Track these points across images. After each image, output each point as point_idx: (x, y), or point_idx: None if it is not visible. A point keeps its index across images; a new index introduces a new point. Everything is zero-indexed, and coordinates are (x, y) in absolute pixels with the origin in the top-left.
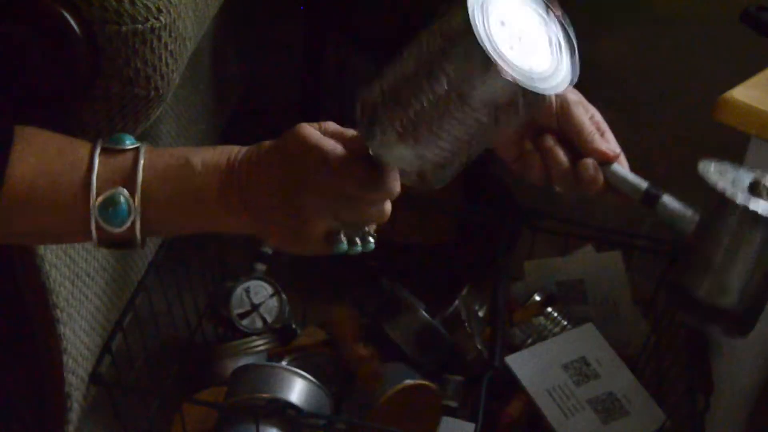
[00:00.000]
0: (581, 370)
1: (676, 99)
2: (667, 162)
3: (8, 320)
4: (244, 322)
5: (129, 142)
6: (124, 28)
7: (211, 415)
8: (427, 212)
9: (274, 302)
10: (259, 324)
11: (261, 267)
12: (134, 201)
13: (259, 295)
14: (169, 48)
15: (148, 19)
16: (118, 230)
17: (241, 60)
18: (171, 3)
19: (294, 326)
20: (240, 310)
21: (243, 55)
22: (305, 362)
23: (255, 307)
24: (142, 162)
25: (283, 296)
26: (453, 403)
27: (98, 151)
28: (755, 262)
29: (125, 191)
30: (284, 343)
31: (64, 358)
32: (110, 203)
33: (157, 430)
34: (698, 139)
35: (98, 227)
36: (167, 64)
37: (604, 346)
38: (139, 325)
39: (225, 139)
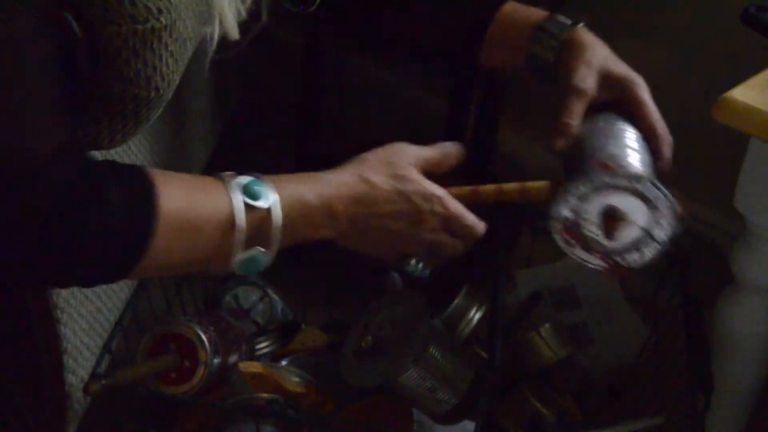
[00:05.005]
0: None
1: (676, 99)
2: None
3: (8, 320)
4: None
5: (264, 194)
6: (124, 29)
7: (211, 415)
8: None
9: (263, 306)
10: (253, 329)
11: None
12: (268, 257)
13: (248, 300)
14: (169, 48)
15: (148, 20)
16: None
17: (241, 60)
18: (171, 3)
19: (296, 320)
20: (233, 319)
21: (243, 55)
22: (305, 362)
23: (246, 313)
24: (280, 224)
25: (272, 297)
26: None
27: (242, 205)
28: (432, 380)
29: (262, 251)
30: (288, 340)
31: (64, 358)
32: (250, 261)
33: (157, 430)
34: (698, 139)
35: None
36: (167, 65)
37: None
38: (139, 325)
39: (225, 139)
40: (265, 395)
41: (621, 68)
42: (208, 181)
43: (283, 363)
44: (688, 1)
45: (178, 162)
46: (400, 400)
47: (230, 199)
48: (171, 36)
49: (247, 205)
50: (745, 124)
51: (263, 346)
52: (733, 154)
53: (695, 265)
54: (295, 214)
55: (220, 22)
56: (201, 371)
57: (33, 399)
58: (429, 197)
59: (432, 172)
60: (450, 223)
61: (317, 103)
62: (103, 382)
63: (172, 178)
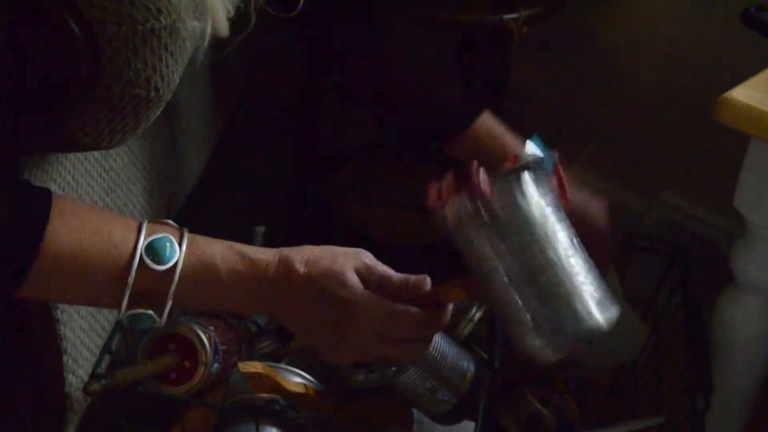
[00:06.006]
0: None
1: (676, 99)
2: (668, 162)
3: (8, 320)
4: None
5: (168, 257)
6: (123, 29)
7: (211, 415)
8: (427, 212)
9: None
10: (253, 329)
11: None
12: (161, 318)
13: None
14: (169, 49)
15: (147, 20)
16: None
17: (241, 60)
18: (171, 4)
19: None
20: (233, 319)
21: (243, 55)
22: (305, 362)
23: None
24: (173, 289)
25: None
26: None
27: (136, 265)
28: (432, 381)
29: (153, 314)
30: (288, 340)
31: (64, 358)
32: (137, 318)
33: (157, 430)
34: (698, 139)
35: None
36: (167, 65)
37: None
38: None
39: (225, 139)
40: (265, 395)
41: (580, 202)
42: (119, 230)
43: (283, 363)
44: (688, 1)
45: (178, 162)
46: (400, 400)
47: (130, 254)
48: (171, 36)
49: (143, 264)
50: (745, 124)
51: (263, 346)
52: (733, 154)
53: (695, 265)
54: (199, 281)
55: (212, 18)
56: (201, 371)
57: (33, 399)
58: (350, 307)
59: (382, 293)
60: (388, 332)
61: (317, 103)
62: (103, 382)
63: (76, 216)
